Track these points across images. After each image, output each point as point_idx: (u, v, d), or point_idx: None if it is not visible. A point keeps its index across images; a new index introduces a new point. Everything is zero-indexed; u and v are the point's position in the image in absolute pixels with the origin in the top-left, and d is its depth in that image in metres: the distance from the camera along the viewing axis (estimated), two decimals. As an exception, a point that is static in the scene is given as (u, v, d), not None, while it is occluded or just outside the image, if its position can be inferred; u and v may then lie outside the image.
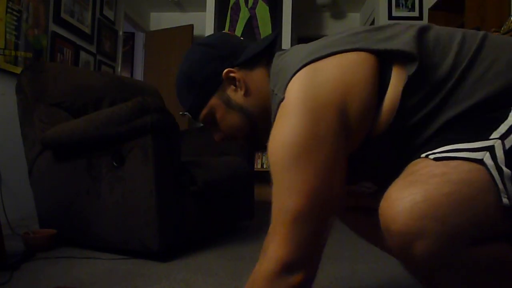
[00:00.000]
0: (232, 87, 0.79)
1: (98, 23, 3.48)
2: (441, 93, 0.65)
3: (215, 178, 1.82)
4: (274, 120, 0.70)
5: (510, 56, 0.65)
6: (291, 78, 0.68)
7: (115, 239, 1.60)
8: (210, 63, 0.79)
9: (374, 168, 0.79)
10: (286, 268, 0.65)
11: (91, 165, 1.65)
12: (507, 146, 0.56)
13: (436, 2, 3.31)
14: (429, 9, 3.44)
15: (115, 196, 1.58)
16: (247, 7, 3.75)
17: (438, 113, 0.65)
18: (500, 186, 0.54)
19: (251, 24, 3.74)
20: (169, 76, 4.49)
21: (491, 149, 0.56)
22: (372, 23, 4.25)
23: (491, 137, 0.58)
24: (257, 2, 3.74)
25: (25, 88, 1.90)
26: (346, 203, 0.94)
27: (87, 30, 3.29)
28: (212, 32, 3.77)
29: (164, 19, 5.01)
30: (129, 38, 4.90)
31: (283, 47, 3.70)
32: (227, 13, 3.76)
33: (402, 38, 0.67)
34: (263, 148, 0.81)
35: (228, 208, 2.05)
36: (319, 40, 0.75)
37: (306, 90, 0.65)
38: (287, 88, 0.67)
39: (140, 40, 4.91)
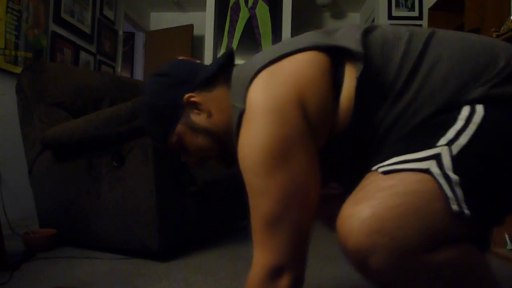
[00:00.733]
0: (195, 111, 0.79)
1: (98, 23, 3.48)
2: (391, 94, 0.65)
3: (215, 178, 1.82)
4: (236, 133, 0.70)
5: (453, 53, 0.65)
6: (248, 86, 0.68)
7: (115, 239, 1.60)
8: (168, 91, 0.80)
9: (337, 169, 0.80)
10: (272, 273, 0.65)
11: (91, 165, 1.65)
12: (454, 152, 0.57)
13: (436, 2, 3.31)
14: (429, 9, 3.44)
15: (115, 196, 1.58)
16: (247, 7, 3.75)
17: (389, 114, 0.66)
18: (449, 193, 0.54)
19: (251, 24, 3.74)
20: (169, 76, 4.49)
21: (437, 157, 0.57)
22: (372, 23, 4.25)
23: (438, 143, 0.58)
24: (257, 2, 3.74)
25: (25, 88, 1.90)
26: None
27: (87, 30, 3.29)
28: (212, 32, 3.77)
29: (164, 19, 5.01)
30: (129, 38, 4.90)
31: (283, 47, 3.69)
32: (227, 13, 3.76)
33: (349, 37, 0.68)
34: (233, 164, 0.82)
35: (228, 208, 2.05)
36: (273, 45, 0.76)
37: (265, 93, 0.65)
38: (247, 96, 0.68)
39: (140, 40, 4.91)
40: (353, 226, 0.55)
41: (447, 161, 0.56)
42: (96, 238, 1.66)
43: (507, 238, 1.75)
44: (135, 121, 1.50)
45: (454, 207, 0.54)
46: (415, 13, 3.85)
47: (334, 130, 0.69)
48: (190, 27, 4.50)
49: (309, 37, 0.71)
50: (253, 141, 0.64)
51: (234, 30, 3.75)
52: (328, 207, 0.93)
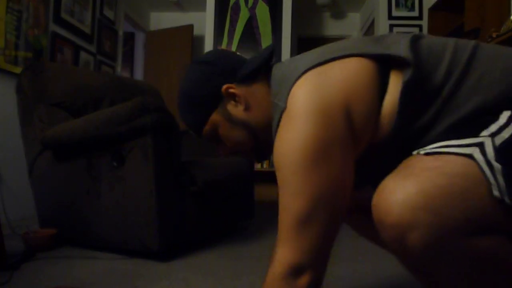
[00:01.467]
0: (233, 102, 0.80)
1: (98, 23, 3.48)
2: (437, 101, 0.66)
3: (215, 178, 1.82)
4: (276, 130, 0.70)
5: (502, 65, 0.66)
6: (292, 86, 0.68)
7: (115, 239, 1.60)
8: (209, 80, 0.80)
9: (375, 173, 0.80)
10: (292, 270, 0.67)
11: (91, 165, 1.65)
12: (497, 143, 0.58)
13: (436, 2, 3.32)
14: (429, 9, 3.44)
15: (115, 196, 1.58)
16: (247, 7, 3.75)
17: (435, 121, 0.66)
18: (491, 179, 0.55)
19: (251, 24, 3.74)
20: (169, 76, 4.49)
21: (480, 145, 0.58)
22: (372, 23, 4.25)
23: (481, 134, 0.60)
24: (257, 2, 3.74)
25: (25, 88, 1.90)
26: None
27: (87, 30, 3.29)
28: (212, 32, 3.77)
29: (164, 19, 5.02)
30: (129, 38, 4.90)
31: (283, 47, 3.70)
32: (227, 13, 3.76)
33: (399, 45, 0.68)
34: (266, 158, 0.84)
35: (228, 208, 2.05)
36: (318, 48, 0.76)
37: (311, 94, 0.66)
38: (290, 95, 0.68)
39: (140, 40, 4.91)
40: (397, 200, 0.55)
41: (490, 150, 0.57)
42: (96, 238, 1.66)
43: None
44: (135, 121, 1.50)
45: (496, 193, 0.54)
46: (415, 13, 3.85)
47: (376, 136, 0.69)
48: (190, 27, 4.50)
49: (358, 43, 0.72)
50: (294, 140, 0.65)
51: (234, 30, 3.75)
52: (359, 213, 0.95)
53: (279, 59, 3.63)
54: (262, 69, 0.81)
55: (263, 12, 3.74)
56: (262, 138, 0.81)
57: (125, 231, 1.57)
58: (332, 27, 5.06)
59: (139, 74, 4.87)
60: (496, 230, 0.57)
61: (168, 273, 1.39)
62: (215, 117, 0.81)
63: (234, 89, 0.79)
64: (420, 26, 3.82)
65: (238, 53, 0.87)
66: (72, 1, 3.05)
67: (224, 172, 1.90)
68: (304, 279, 0.67)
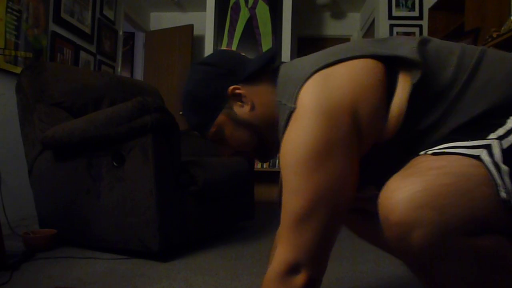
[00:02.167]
0: (238, 103, 0.80)
1: (98, 23, 3.48)
2: (443, 104, 0.66)
3: (215, 178, 1.82)
4: (283, 131, 0.70)
5: (508, 70, 0.66)
6: (301, 87, 0.68)
7: (115, 239, 1.60)
8: (213, 81, 0.80)
9: (378, 174, 0.80)
10: (289, 269, 0.67)
11: (91, 165, 1.65)
12: (504, 146, 0.58)
13: (436, 2, 3.31)
14: (429, 9, 3.44)
15: (115, 196, 1.58)
16: (247, 7, 3.75)
17: (440, 123, 0.67)
18: (498, 180, 0.55)
19: (251, 24, 3.74)
20: (169, 76, 4.49)
21: (488, 147, 0.58)
22: (372, 23, 4.25)
23: (488, 137, 0.60)
24: (257, 2, 3.74)
25: (25, 88, 1.90)
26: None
27: (87, 30, 3.29)
28: (212, 32, 3.77)
29: (164, 19, 5.01)
30: (129, 38, 4.90)
31: (283, 47, 3.70)
32: (227, 13, 3.76)
33: (407, 47, 0.68)
34: (271, 158, 0.84)
35: (228, 208, 2.05)
36: (324, 49, 0.76)
37: (319, 95, 0.66)
38: (299, 97, 0.68)
39: (140, 40, 4.91)
40: (402, 198, 0.55)
41: (497, 152, 0.57)
42: (96, 238, 1.66)
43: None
44: (135, 121, 1.50)
45: (503, 194, 0.54)
46: (415, 13, 3.85)
47: (382, 136, 0.69)
48: (190, 27, 4.50)
49: (364, 44, 0.72)
50: (298, 139, 0.65)
51: (234, 30, 3.75)
52: (361, 217, 0.95)
53: (279, 59, 3.63)
54: (267, 69, 0.81)
55: (263, 12, 3.74)
56: (267, 138, 0.81)
57: (125, 231, 1.57)
58: (332, 27, 5.06)
59: (139, 74, 4.86)
60: (498, 230, 0.57)
61: (168, 273, 1.39)
62: (221, 118, 0.81)
63: (240, 89, 0.78)
64: (420, 26, 3.82)
65: (241, 53, 0.87)
66: (72, 1, 3.05)
67: (224, 172, 1.90)
68: (301, 278, 0.67)
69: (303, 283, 0.67)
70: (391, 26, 3.88)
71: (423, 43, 0.69)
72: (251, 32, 3.73)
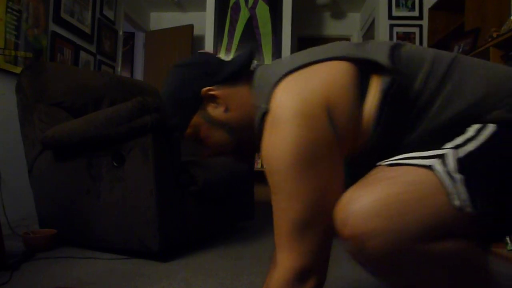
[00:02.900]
0: (213, 104, 0.80)
1: (98, 23, 3.48)
2: (413, 110, 0.66)
3: (215, 178, 1.82)
4: (258, 132, 0.71)
5: (478, 79, 0.66)
6: (274, 88, 0.69)
7: (115, 239, 1.60)
8: (189, 83, 0.81)
9: (356, 177, 0.81)
10: (299, 276, 0.67)
11: (91, 165, 1.65)
12: (460, 155, 0.58)
13: (436, 2, 3.31)
14: (429, 9, 3.44)
15: (115, 196, 1.58)
16: (247, 7, 3.75)
17: (409, 131, 0.67)
18: (450, 189, 0.55)
19: (251, 24, 3.74)
20: (169, 76, 4.48)
21: (442, 157, 0.59)
22: (372, 23, 4.25)
23: (444, 146, 0.61)
24: (257, 2, 3.74)
25: (25, 88, 1.90)
26: None
27: (87, 30, 3.29)
28: (212, 32, 3.77)
29: (164, 19, 5.01)
30: (129, 38, 4.90)
31: (283, 47, 3.70)
32: (227, 13, 3.76)
33: (379, 52, 0.69)
34: (248, 159, 0.85)
35: (228, 208, 2.05)
36: (300, 51, 0.77)
37: (293, 97, 0.66)
38: (272, 98, 0.69)
39: (140, 40, 4.91)
40: (354, 210, 0.56)
41: (451, 161, 0.58)
42: (96, 238, 1.66)
43: (507, 239, 1.75)
44: (135, 121, 1.50)
45: (456, 202, 0.55)
46: (415, 13, 3.85)
47: (360, 138, 0.70)
48: (190, 27, 4.50)
49: (340, 47, 0.72)
50: (282, 144, 0.65)
51: (234, 30, 3.75)
52: None
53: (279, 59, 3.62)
54: (243, 71, 0.82)
55: (263, 12, 3.74)
56: (243, 139, 0.82)
57: (125, 231, 1.57)
58: (332, 27, 5.06)
59: (139, 74, 4.86)
60: (463, 235, 0.57)
61: (168, 273, 1.39)
62: (197, 119, 0.82)
63: (213, 91, 0.79)
64: (420, 26, 3.82)
65: (219, 56, 0.87)
66: (72, 1, 3.05)
67: (224, 172, 1.90)
68: (310, 284, 0.67)
69: (314, 287, 0.67)
70: (391, 26, 3.88)
71: (395, 48, 0.70)
72: (251, 32, 3.73)
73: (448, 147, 0.60)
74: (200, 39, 4.70)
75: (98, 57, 3.50)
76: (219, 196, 1.93)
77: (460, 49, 2.61)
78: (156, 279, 1.33)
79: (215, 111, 0.80)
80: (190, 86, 0.81)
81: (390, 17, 3.89)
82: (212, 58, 0.84)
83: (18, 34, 2.43)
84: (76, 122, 1.68)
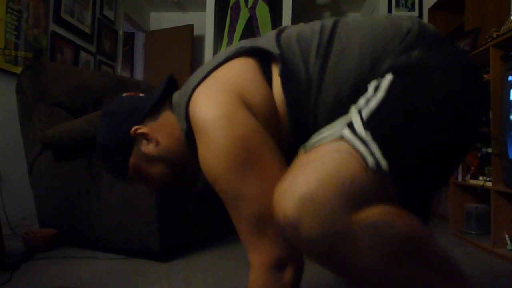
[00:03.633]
0: (144, 141, 0.81)
1: (98, 23, 3.48)
2: (312, 85, 0.69)
3: (215, 178, 1.81)
4: (193, 152, 0.72)
5: (362, 33, 0.69)
6: (187, 105, 0.71)
7: (115, 239, 1.60)
8: (117, 128, 0.82)
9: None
10: (273, 270, 0.67)
11: (91, 165, 1.65)
12: (364, 116, 0.60)
13: (436, 2, 3.31)
14: (429, 9, 3.44)
15: (115, 195, 1.58)
16: (247, 7, 3.75)
17: (314, 104, 0.69)
18: (363, 151, 0.57)
19: (251, 24, 3.74)
20: (169, 76, 4.48)
21: (349, 124, 0.60)
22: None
23: (350, 112, 0.62)
24: (257, 2, 3.74)
25: (25, 88, 1.90)
26: None
27: (87, 30, 3.29)
28: (212, 32, 3.77)
29: (164, 19, 5.01)
30: (129, 38, 4.90)
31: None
32: (227, 13, 3.76)
33: (266, 39, 0.72)
34: (196, 184, 0.87)
35: (228, 208, 2.05)
36: (202, 65, 0.80)
37: (209, 104, 0.67)
38: (190, 115, 0.70)
39: (140, 40, 4.91)
40: (279, 202, 0.57)
41: (358, 125, 0.59)
42: (96, 238, 1.66)
43: (507, 239, 1.75)
44: (135, 121, 1.50)
45: (370, 161, 0.56)
46: (415, 13, 3.85)
47: (282, 128, 0.72)
48: (190, 27, 4.50)
49: (234, 46, 0.76)
50: (213, 151, 0.65)
51: (234, 30, 3.75)
52: None
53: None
54: (165, 100, 0.83)
55: (263, 12, 3.74)
56: (183, 165, 0.82)
57: (125, 231, 1.57)
58: (332, 27, 5.05)
59: (139, 74, 4.86)
60: (391, 200, 0.58)
61: (168, 273, 1.39)
62: (133, 160, 0.82)
63: (141, 129, 0.80)
64: (420, 26, 3.82)
65: (141, 94, 0.88)
66: (72, 1, 3.05)
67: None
68: (288, 273, 0.67)
69: (292, 275, 0.67)
70: (391, 26, 3.88)
71: (280, 32, 0.73)
72: (251, 32, 3.73)
73: (353, 111, 0.62)
74: (200, 39, 4.70)
75: (98, 57, 3.50)
76: (219, 196, 1.93)
77: (460, 49, 2.60)
78: (156, 279, 1.33)
79: (148, 147, 0.81)
80: (119, 131, 0.81)
81: (390, 17, 3.89)
82: (133, 98, 0.85)
83: (18, 34, 2.43)
84: (76, 122, 1.68)
